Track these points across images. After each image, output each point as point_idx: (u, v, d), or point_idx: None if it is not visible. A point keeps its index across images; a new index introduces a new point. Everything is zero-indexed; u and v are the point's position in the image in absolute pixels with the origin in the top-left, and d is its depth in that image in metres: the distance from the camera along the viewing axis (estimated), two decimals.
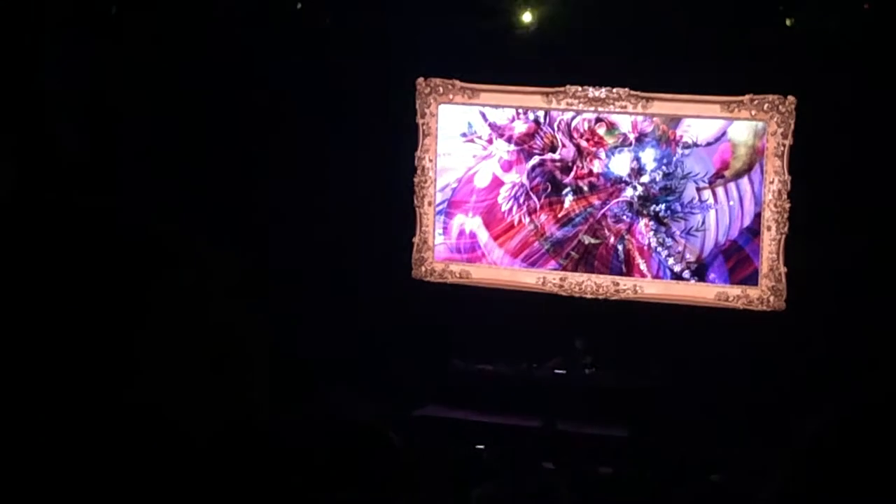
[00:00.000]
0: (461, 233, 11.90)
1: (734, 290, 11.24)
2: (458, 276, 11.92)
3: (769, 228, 11.12)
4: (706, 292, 11.31)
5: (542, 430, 10.10)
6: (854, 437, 1.62)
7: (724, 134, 11.22)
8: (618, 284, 11.52)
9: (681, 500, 7.72)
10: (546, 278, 11.68)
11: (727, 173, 11.27)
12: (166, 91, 11.27)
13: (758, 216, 11.19)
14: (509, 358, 11.38)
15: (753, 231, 11.21)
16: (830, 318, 10.42)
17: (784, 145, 11.02)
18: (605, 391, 10.98)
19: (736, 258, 11.28)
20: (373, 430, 1.38)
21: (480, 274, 11.88)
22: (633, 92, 11.32)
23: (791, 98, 10.97)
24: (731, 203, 11.28)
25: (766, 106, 11.06)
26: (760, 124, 11.10)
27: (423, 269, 11.97)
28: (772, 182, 11.10)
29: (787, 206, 11.06)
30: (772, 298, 11.13)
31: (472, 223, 11.88)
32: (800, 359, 10.31)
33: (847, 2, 10.66)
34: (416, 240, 11.95)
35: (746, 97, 11.07)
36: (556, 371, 11.30)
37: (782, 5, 10.64)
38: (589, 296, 11.57)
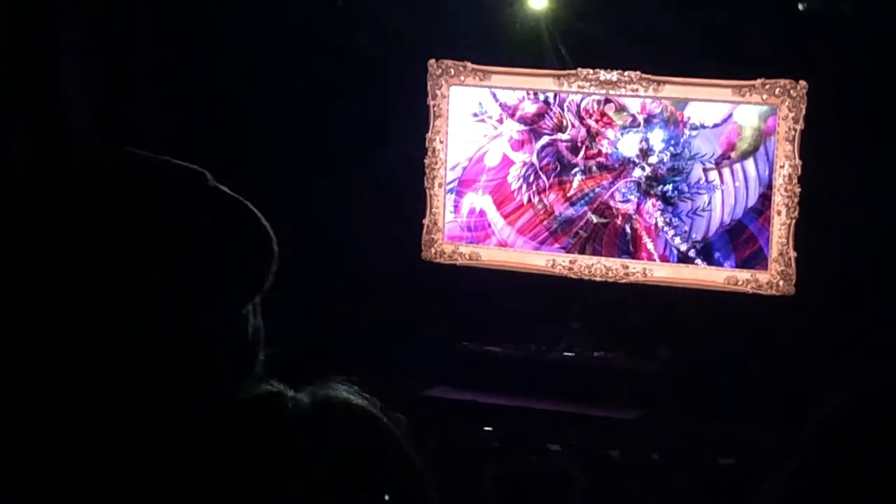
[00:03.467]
0: (471, 211, 11.93)
1: (744, 274, 11.25)
2: (467, 257, 11.93)
3: (779, 213, 11.12)
4: (716, 276, 11.32)
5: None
6: (864, 420, 1.63)
7: (730, 116, 11.24)
8: (627, 268, 11.53)
9: (690, 484, 7.75)
10: (556, 261, 11.69)
11: (733, 154, 11.30)
12: (177, 72, 11.28)
13: (762, 196, 11.22)
14: (518, 340, 11.40)
15: (758, 211, 11.24)
16: (840, 302, 10.43)
17: (795, 129, 11.02)
18: (614, 373, 11.00)
19: (741, 237, 11.32)
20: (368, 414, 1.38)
21: (490, 256, 11.89)
22: (644, 75, 11.31)
23: (803, 82, 10.95)
24: (737, 184, 11.31)
25: (777, 90, 11.05)
26: (766, 106, 11.13)
27: (433, 250, 11.99)
28: (782, 166, 11.10)
29: (798, 190, 11.06)
30: (781, 283, 11.13)
31: (482, 202, 11.91)
32: (809, 343, 10.32)
33: None
34: (426, 221, 11.97)
35: (758, 81, 11.06)
36: (566, 353, 11.32)
37: None
38: (598, 278, 11.58)
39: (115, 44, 10.82)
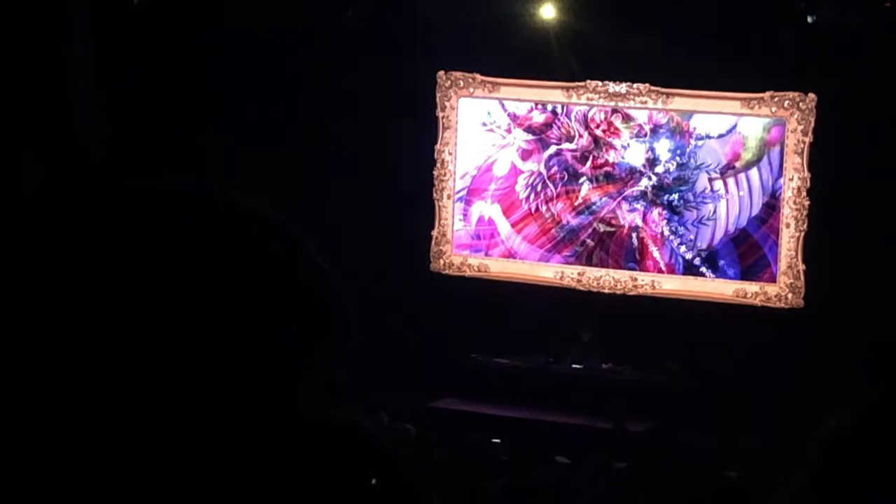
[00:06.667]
0: (480, 219, 11.96)
1: (752, 287, 11.25)
2: (476, 269, 11.94)
3: (788, 226, 11.12)
4: (724, 288, 11.32)
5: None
6: (874, 433, 1.63)
7: (735, 126, 11.26)
8: (636, 280, 11.54)
9: (697, 496, 7.73)
10: (564, 273, 11.70)
11: (738, 164, 11.32)
12: (187, 86, 11.29)
13: (766, 205, 11.23)
14: (526, 352, 11.39)
15: (762, 219, 11.27)
16: (849, 315, 10.41)
17: (804, 142, 11.02)
18: (622, 386, 10.99)
19: (745, 245, 11.34)
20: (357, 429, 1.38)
21: (498, 267, 11.90)
22: (653, 87, 11.32)
23: (812, 95, 10.95)
24: (742, 193, 11.34)
25: (786, 103, 11.05)
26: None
27: (442, 262, 11.99)
28: (791, 179, 11.10)
29: (807, 203, 11.05)
30: (790, 295, 11.13)
31: (490, 210, 11.94)
32: (817, 356, 10.30)
33: None
34: (434, 233, 11.97)
35: (767, 94, 11.06)
36: (574, 365, 11.31)
37: (804, 2, 10.62)
38: (607, 291, 11.58)
39: (127, 63, 10.85)
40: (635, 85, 11.36)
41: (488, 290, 11.68)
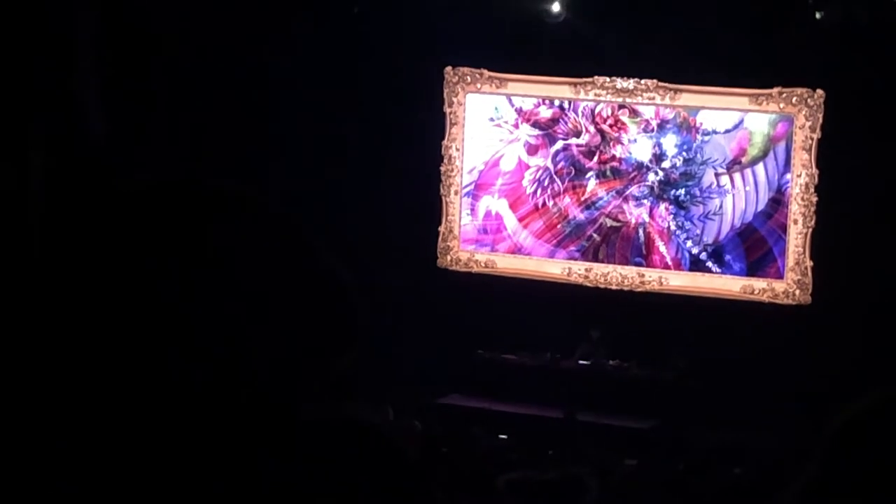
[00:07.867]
0: (487, 214, 11.96)
1: (759, 283, 11.24)
2: (483, 265, 11.93)
3: (796, 222, 11.11)
4: (731, 285, 11.31)
5: (564, 420, 10.13)
6: (883, 427, 1.63)
7: (741, 122, 11.25)
8: (643, 276, 11.52)
9: (704, 492, 7.72)
10: (571, 269, 11.69)
11: (744, 160, 11.32)
12: (194, 81, 11.28)
13: (772, 200, 11.22)
14: (533, 348, 11.38)
15: (768, 214, 11.26)
16: (856, 311, 10.40)
17: (812, 139, 11.00)
18: (629, 382, 10.98)
19: (751, 240, 11.34)
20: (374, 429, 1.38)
21: (505, 263, 11.89)
22: (661, 83, 11.31)
23: (820, 91, 10.93)
24: (747, 188, 11.33)
25: (794, 99, 11.03)
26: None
27: (449, 258, 11.98)
28: (799, 175, 11.08)
29: (815, 199, 11.03)
30: (797, 292, 11.11)
31: (497, 205, 11.93)
32: (825, 352, 10.28)
33: None
34: (441, 229, 11.97)
35: (775, 90, 11.04)
36: (581, 362, 11.30)
37: None
38: (614, 287, 11.57)
39: (131, 54, 10.84)
40: (643, 81, 11.35)
41: (495, 287, 11.68)
